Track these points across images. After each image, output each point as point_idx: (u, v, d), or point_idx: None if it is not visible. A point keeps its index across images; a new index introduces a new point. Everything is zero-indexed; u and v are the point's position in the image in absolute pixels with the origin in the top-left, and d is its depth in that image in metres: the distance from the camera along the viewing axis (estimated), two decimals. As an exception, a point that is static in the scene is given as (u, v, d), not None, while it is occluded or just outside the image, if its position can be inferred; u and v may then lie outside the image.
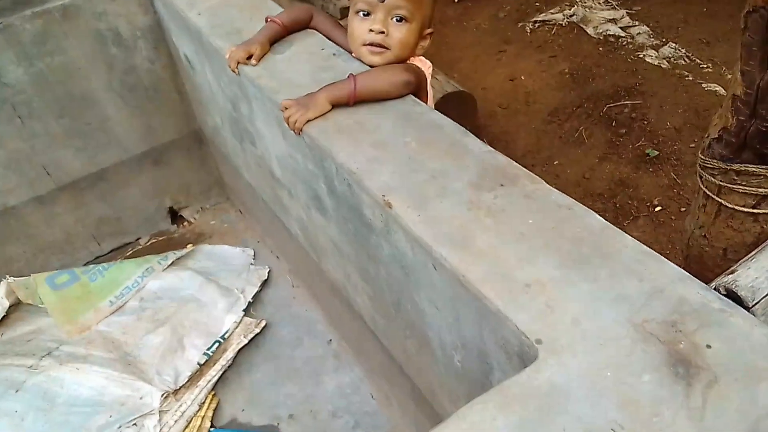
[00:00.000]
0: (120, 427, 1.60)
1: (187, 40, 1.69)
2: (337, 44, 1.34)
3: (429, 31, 1.26)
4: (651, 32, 2.91)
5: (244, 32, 1.43)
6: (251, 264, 2.08)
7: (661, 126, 2.36)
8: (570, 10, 3.03)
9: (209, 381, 1.70)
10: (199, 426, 1.61)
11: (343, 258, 1.29)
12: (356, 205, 1.03)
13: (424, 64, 1.26)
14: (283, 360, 1.77)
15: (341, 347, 1.75)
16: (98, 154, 2.03)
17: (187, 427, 1.61)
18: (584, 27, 2.95)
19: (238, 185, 2.12)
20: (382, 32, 1.20)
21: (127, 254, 2.22)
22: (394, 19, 1.19)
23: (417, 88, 1.17)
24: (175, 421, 1.61)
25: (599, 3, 3.11)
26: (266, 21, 1.40)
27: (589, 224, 0.80)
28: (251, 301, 1.92)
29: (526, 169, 0.90)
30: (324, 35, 1.38)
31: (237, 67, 1.32)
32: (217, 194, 2.35)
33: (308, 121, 1.10)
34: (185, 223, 2.30)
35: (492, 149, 0.95)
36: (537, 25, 3.07)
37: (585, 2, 3.07)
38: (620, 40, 2.86)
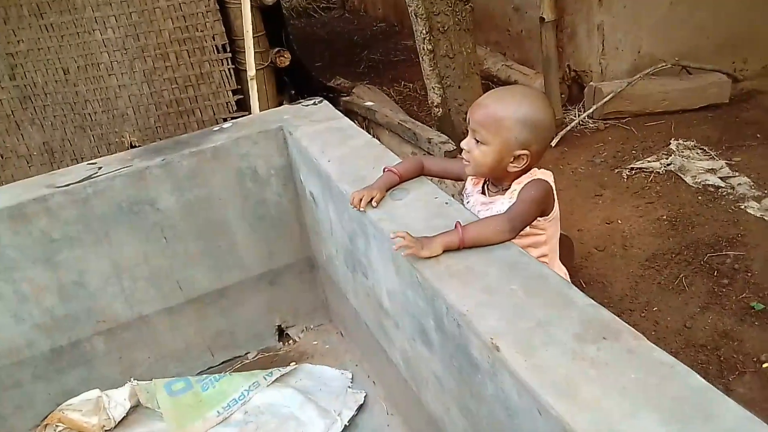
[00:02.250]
0: None
1: (315, 181, 1.93)
2: (454, 171, 1.60)
3: (521, 153, 1.39)
4: (752, 183, 2.92)
5: (366, 179, 1.64)
6: (349, 387, 2.16)
7: (767, 279, 2.32)
8: (667, 159, 3.13)
9: (304, 501, 1.75)
10: None
11: (444, 392, 1.37)
12: (464, 345, 1.13)
13: (544, 174, 1.44)
14: (374, 488, 1.79)
15: (432, 483, 1.76)
16: (224, 273, 2.27)
17: None
18: (682, 176, 3.02)
19: (343, 310, 2.27)
20: (465, 149, 1.44)
21: (236, 367, 2.38)
22: (477, 140, 1.41)
23: (545, 205, 1.39)
24: None
25: (697, 153, 3.18)
26: (384, 171, 1.61)
27: (692, 384, 0.85)
28: (347, 424, 1.99)
29: (628, 325, 0.97)
30: (438, 172, 1.62)
31: (361, 208, 1.52)
32: (321, 316, 2.51)
33: (420, 258, 1.24)
34: (290, 341, 2.46)
35: (595, 303, 1.04)
36: (634, 171, 3.18)
37: (683, 152, 3.16)
38: (720, 190, 2.89)
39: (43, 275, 2.02)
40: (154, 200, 2.07)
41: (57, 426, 2.11)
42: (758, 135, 3.34)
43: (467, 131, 1.45)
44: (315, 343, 2.44)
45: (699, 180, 2.95)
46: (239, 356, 2.42)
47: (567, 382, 0.90)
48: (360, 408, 2.06)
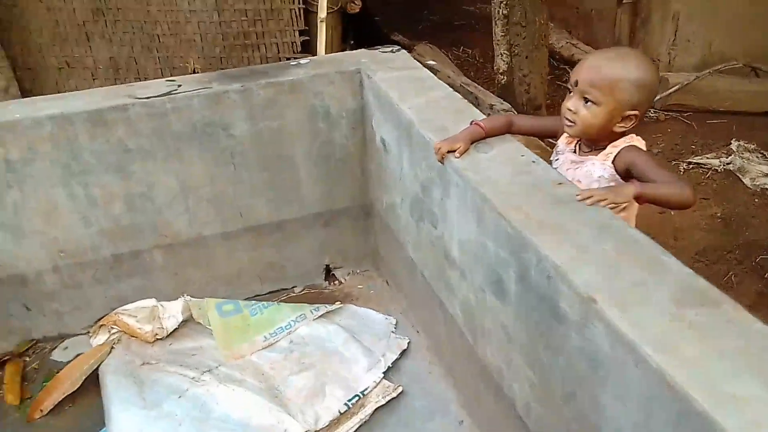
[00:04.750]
0: (263, 452, 1.74)
1: (391, 127, 1.95)
2: (549, 128, 1.64)
3: (632, 113, 1.42)
4: (810, 194, 2.89)
5: (449, 130, 1.66)
6: (392, 332, 2.22)
7: (821, 287, 2.32)
8: (727, 158, 3.09)
9: (348, 429, 1.83)
10: (333, 470, 1.72)
11: (510, 343, 1.41)
12: (551, 296, 1.16)
13: (639, 142, 1.46)
14: (415, 430, 1.86)
15: (472, 431, 1.82)
16: (283, 207, 2.31)
17: (322, 467, 1.73)
18: (741, 176, 2.99)
19: (394, 259, 2.31)
20: (571, 110, 1.45)
21: (282, 299, 2.45)
22: (585, 101, 1.42)
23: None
24: (313, 460, 1.74)
25: (757, 157, 3.14)
26: (470, 123, 1.62)
27: (793, 357, 0.88)
28: (390, 366, 2.05)
29: (729, 297, 0.99)
30: (530, 130, 1.65)
31: (444, 158, 1.54)
32: (368, 262, 2.56)
33: (618, 204, 1.29)
34: (336, 282, 2.52)
35: (692, 272, 1.06)
36: (691, 166, 3.15)
37: (743, 154, 3.12)
38: (778, 195, 2.87)
39: (115, 183, 2.08)
40: (228, 125, 2.11)
41: (112, 328, 2.20)
42: (822, 146, 3.28)
43: (569, 92, 1.47)
44: (360, 287, 2.50)
45: (758, 183, 2.92)
46: (286, 289, 2.49)
47: (666, 339, 0.93)
48: (402, 353, 2.12)
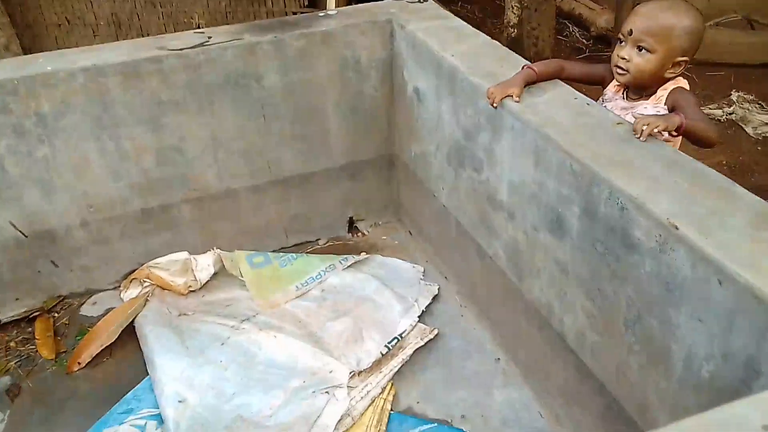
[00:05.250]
0: (314, 392, 1.80)
1: (428, 76, 1.97)
2: (598, 75, 1.69)
3: (682, 59, 1.51)
4: (809, 141, 3.02)
5: (497, 75, 1.69)
6: (421, 279, 2.29)
7: (825, 228, 2.45)
8: (729, 108, 3.20)
9: (391, 370, 1.90)
10: (382, 407, 1.79)
11: (566, 277, 1.48)
12: (623, 227, 1.22)
13: (685, 84, 1.55)
14: (454, 368, 1.94)
15: (509, 367, 1.91)
16: (311, 160, 2.33)
17: (371, 405, 1.80)
18: (743, 126, 3.11)
19: (421, 209, 2.36)
20: (624, 59, 1.52)
21: (308, 250, 2.48)
22: (639, 49, 1.49)
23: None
24: (362, 398, 1.80)
25: (756, 107, 3.25)
26: (522, 68, 1.66)
27: None
28: (424, 310, 2.12)
29: (799, 219, 1.07)
30: (580, 76, 1.70)
31: (496, 103, 1.58)
32: (391, 213, 2.60)
33: (670, 129, 1.36)
34: (359, 234, 2.56)
35: (762, 200, 1.13)
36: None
37: (743, 104, 3.23)
38: (780, 143, 2.99)
39: (146, 136, 2.06)
40: (261, 76, 2.10)
41: (144, 281, 2.22)
42: (815, 97, 3.41)
43: (620, 41, 1.54)
44: (384, 238, 2.55)
45: (759, 131, 3.04)
46: (311, 241, 2.52)
47: (749, 258, 1.01)
48: (434, 299, 2.19)
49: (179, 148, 2.12)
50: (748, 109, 3.18)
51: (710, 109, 3.25)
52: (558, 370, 1.65)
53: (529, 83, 1.62)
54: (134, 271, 2.25)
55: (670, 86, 1.54)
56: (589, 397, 1.53)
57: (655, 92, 1.56)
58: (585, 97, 1.56)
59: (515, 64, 1.74)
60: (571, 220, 1.39)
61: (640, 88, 1.59)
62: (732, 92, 3.37)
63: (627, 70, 1.52)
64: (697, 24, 1.47)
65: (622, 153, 1.31)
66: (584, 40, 4.08)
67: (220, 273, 2.26)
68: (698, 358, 1.11)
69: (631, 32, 1.49)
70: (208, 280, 2.23)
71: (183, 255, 2.21)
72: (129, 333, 2.06)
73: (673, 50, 1.48)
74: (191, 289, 2.20)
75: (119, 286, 2.26)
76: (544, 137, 1.42)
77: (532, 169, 1.51)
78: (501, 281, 1.84)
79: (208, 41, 2.04)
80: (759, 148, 2.97)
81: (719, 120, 3.17)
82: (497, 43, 1.92)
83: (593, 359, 1.46)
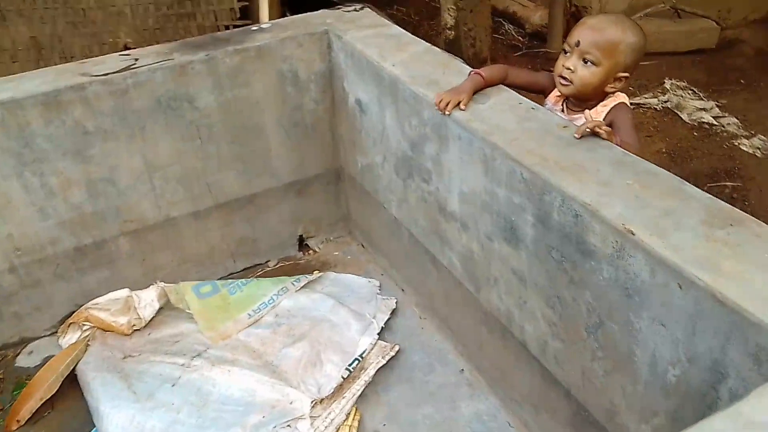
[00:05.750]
0: (275, 427, 1.72)
1: (370, 87, 1.91)
2: (540, 84, 1.68)
3: (623, 75, 1.52)
4: (740, 124, 3.13)
5: (441, 83, 1.65)
6: (378, 294, 2.23)
7: (763, 208, 2.53)
8: (664, 96, 3.28)
9: (354, 394, 1.83)
10: (348, 435, 1.73)
11: (524, 286, 1.45)
12: (577, 234, 1.20)
13: (625, 99, 1.57)
14: (417, 383, 1.89)
15: (474, 377, 1.87)
16: (254, 180, 2.24)
17: (336, 434, 1.73)
18: (679, 113, 3.19)
19: (371, 221, 2.31)
20: (570, 69, 1.51)
21: (257, 274, 2.39)
22: (585, 61, 1.48)
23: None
24: (326, 427, 1.73)
25: (689, 93, 3.35)
26: (470, 74, 1.62)
27: (824, 263, 0.96)
28: (383, 326, 2.06)
29: (750, 216, 1.06)
30: (523, 84, 1.67)
31: (448, 111, 1.53)
32: (341, 228, 2.54)
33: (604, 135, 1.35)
34: (310, 252, 2.48)
35: (713, 197, 1.12)
36: (632, 107, 3.31)
37: (676, 92, 3.31)
38: (714, 127, 3.08)
39: (73, 169, 1.93)
40: (194, 97, 2.00)
41: (83, 325, 2.08)
42: (741, 81, 3.54)
43: (565, 52, 1.53)
44: (336, 254, 2.48)
45: (694, 117, 3.12)
46: (260, 264, 2.43)
47: (706, 259, 0.99)
48: (392, 313, 2.14)
49: (110, 179, 2.00)
50: (682, 96, 3.27)
51: (646, 98, 3.33)
52: (523, 378, 1.62)
53: (477, 90, 1.59)
54: (72, 314, 2.10)
55: (610, 102, 1.55)
56: (556, 404, 1.50)
57: (595, 106, 1.56)
58: (529, 101, 1.53)
59: (457, 70, 1.71)
60: (525, 228, 1.36)
61: (581, 101, 1.59)
62: (665, 80, 3.46)
63: (571, 81, 1.52)
64: (641, 41, 1.49)
65: (571, 157, 1.28)
66: (520, 38, 4.13)
67: (166, 307, 2.14)
68: (663, 362, 1.09)
69: (578, 44, 1.49)
70: (153, 317, 2.10)
71: (124, 292, 2.09)
72: (71, 382, 1.91)
73: (617, 65, 1.49)
74: (135, 328, 2.08)
75: (56, 332, 2.11)
76: (492, 146, 1.38)
77: (482, 179, 1.47)
78: (458, 291, 1.80)
79: (135, 63, 1.93)
80: (695, 133, 3.05)
81: (656, 109, 3.25)
82: (437, 49, 1.89)
83: (557, 366, 1.44)
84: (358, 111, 2.04)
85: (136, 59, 1.95)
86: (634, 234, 1.06)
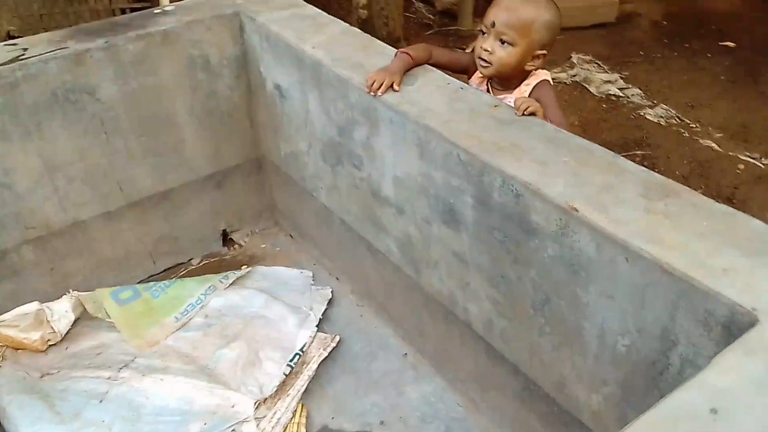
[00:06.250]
0: (218, 434, 1.63)
1: (290, 70, 1.82)
2: (462, 64, 1.66)
3: (541, 52, 1.53)
4: (643, 95, 3.29)
5: (365, 65, 1.60)
6: (311, 284, 2.17)
7: (671, 174, 2.68)
8: (572, 70, 3.39)
9: (298, 390, 1.77)
10: (296, 432, 1.67)
11: (464, 268, 1.44)
12: (519, 214, 1.19)
13: (547, 75, 1.58)
14: (362, 373, 1.86)
15: (418, 360, 1.86)
16: (168, 174, 2.10)
17: (283, 433, 1.67)
18: (587, 86, 3.31)
19: (299, 210, 2.23)
20: (488, 51, 1.50)
21: (180, 274, 2.26)
22: (501, 42, 1.48)
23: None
24: (273, 428, 1.66)
25: (594, 66, 3.48)
26: (396, 54, 1.58)
27: (755, 226, 1.00)
28: (321, 318, 2.01)
29: (684, 186, 1.10)
30: (446, 63, 1.64)
31: (380, 93, 1.47)
32: (266, 219, 2.44)
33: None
34: (236, 246, 2.37)
35: (647, 169, 1.15)
36: (543, 81, 3.40)
37: (583, 65, 3.43)
38: (620, 99, 3.22)
39: (-40, 175, 1.72)
40: (94, 89, 1.83)
41: (-11, 346, 1.88)
42: (641, 53, 3.72)
43: (482, 33, 1.52)
44: (263, 246, 2.38)
45: (602, 90, 3.25)
46: (182, 263, 2.29)
47: (649, 231, 1.01)
48: (328, 303, 2.08)
49: (5, 183, 1.79)
50: (589, 70, 3.39)
51: (555, 73, 3.43)
52: (468, 357, 1.63)
53: (407, 70, 1.55)
54: (-27, 334, 1.89)
55: (533, 81, 1.56)
56: (504, 380, 1.52)
57: (519, 85, 1.57)
58: (457, 81, 1.51)
59: (380, 51, 1.66)
60: (465, 210, 1.35)
61: (503, 80, 1.59)
62: (572, 55, 3.58)
63: (490, 63, 1.51)
64: (555, 18, 1.50)
65: (506, 137, 1.28)
66: (431, 16, 4.12)
67: (83, 318, 1.97)
68: (613, 334, 1.11)
69: (494, 24, 1.48)
70: (69, 329, 1.93)
71: (33, 306, 1.89)
72: (-20, 409, 1.74)
73: (532, 44, 1.49)
74: (50, 343, 1.90)
75: (-43, 356, 1.90)
76: (426, 128, 1.35)
77: (417, 162, 1.44)
78: (397, 276, 1.78)
79: (24, 54, 1.73)
80: (604, 105, 3.18)
81: (565, 83, 3.36)
82: (357, 30, 1.82)
83: (504, 343, 1.45)
84: (278, 96, 1.95)
85: (25, 49, 1.75)
86: (577, 211, 1.07)
